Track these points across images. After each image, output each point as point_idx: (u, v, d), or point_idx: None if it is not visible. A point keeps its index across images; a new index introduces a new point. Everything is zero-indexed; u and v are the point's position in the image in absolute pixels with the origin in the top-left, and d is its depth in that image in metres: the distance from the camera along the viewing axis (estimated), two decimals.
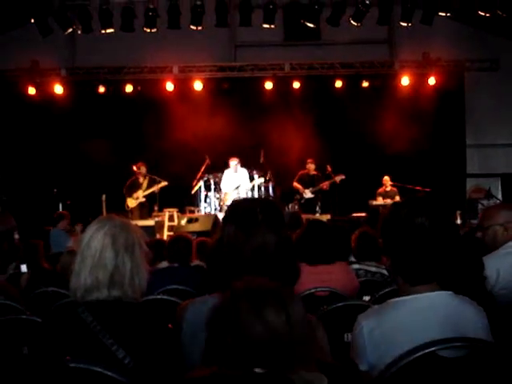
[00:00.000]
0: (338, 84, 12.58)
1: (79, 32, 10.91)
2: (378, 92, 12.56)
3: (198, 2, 10.30)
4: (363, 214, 10.62)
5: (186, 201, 11.36)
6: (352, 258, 4.76)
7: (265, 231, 1.92)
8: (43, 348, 2.02)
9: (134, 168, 11.26)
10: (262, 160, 11.23)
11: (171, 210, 10.94)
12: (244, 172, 11.18)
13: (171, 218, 10.82)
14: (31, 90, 12.49)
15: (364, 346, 1.98)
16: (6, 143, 12.46)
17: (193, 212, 11.11)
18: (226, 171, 11.17)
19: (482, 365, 1.84)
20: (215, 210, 10.98)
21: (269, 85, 12.55)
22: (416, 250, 2.00)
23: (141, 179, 11.27)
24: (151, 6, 10.39)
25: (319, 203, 11.42)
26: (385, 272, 4.32)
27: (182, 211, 11.09)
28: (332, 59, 12.63)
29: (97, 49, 11.93)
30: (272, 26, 10.82)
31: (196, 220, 10.43)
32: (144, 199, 11.23)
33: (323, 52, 12.75)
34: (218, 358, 1.38)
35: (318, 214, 11.02)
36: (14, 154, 12.39)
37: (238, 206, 2.08)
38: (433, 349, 1.81)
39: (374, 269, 4.44)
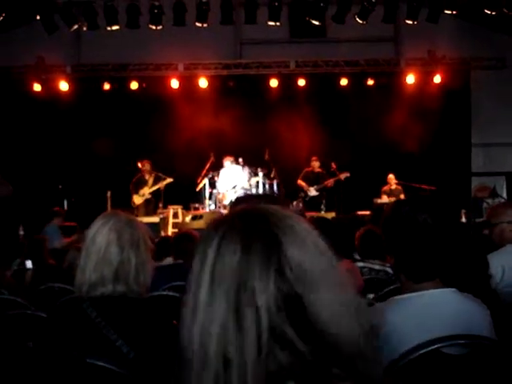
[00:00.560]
0: (344, 81, 12.53)
1: (84, 29, 10.93)
2: (383, 90, 12.49)
3: None
4: (368, 212, 10.61)
5: (191, 198, 11.33)
6: (356, 256, 4.76)
7: None
8: (48, 343, 2.03)
9: (139, 165, 11.29)
10: (266, 157, 11.21)
11: (176, 207, 10.92)
12: (240, 170, 11.07)
13: (176, 215, 10.80)
14: (37, 87, 12.49)
15: None
16: (12, 139, 12.47)
17: (197, 209, 11.08)
18: (222, 171, 11.07)
19: (486, 362, 1.84)
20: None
21: (274, 82, 12.50)
22: (418, 247, 1.99)
23: (147, 176, 11.28)
24: (156, 3, 10.39)
25: (324, 201, 11.39)
26: (389, 270, 4.32)
27: (186, 208, 11.08)
28: (337, 57, 12.58)
29: (102, 46, 11.91)
30: (277, 24, 10.80)
31: (200, 217, 10.44)
32: (150, 196, 11.25)
33: (328, 49, 12.69)
34: None
35: (322, 212, 10.99)
36: (20, 150, 12.40)
37: (242, 202, 2.08)
38: (437, 346, 1.81)
39: (378, 267, 4.44)
